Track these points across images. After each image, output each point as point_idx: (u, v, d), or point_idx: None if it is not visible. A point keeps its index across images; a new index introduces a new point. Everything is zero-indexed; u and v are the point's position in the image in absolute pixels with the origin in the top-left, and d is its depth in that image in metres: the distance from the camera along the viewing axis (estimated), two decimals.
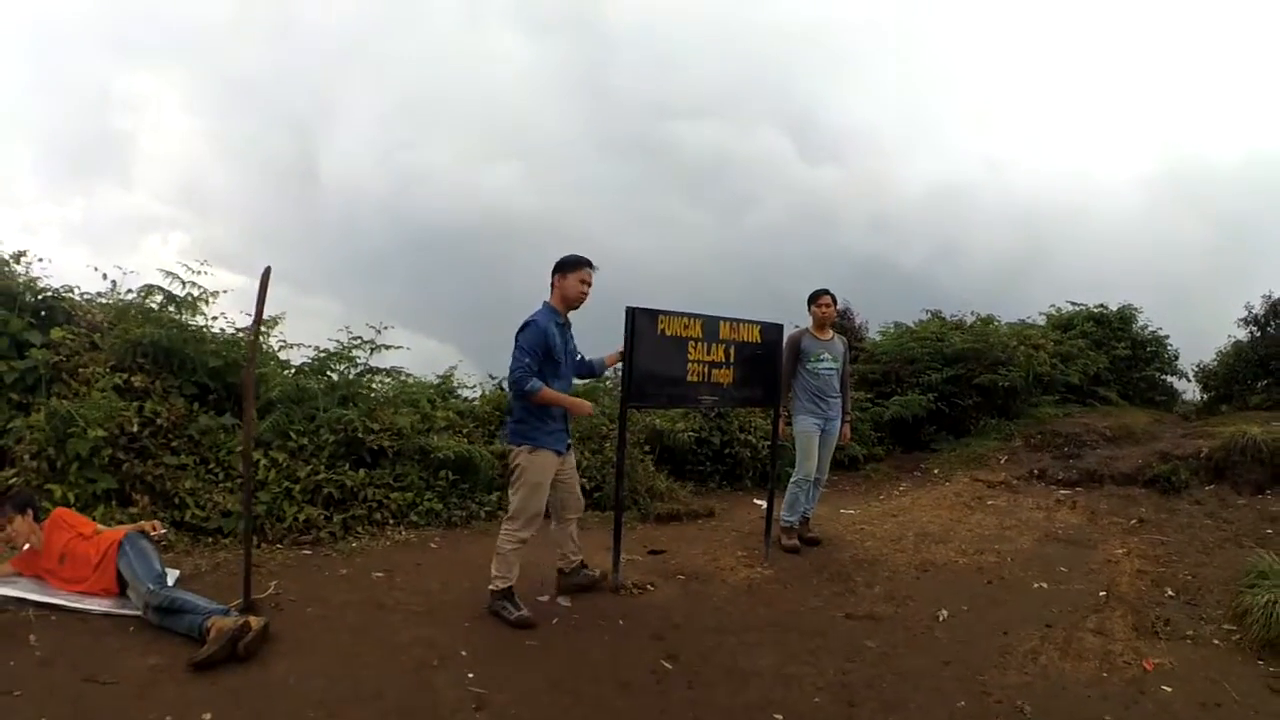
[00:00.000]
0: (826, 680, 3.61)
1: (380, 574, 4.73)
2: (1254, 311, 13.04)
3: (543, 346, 4.12)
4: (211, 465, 5.49)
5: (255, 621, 3.48)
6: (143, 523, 4.30)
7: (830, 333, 5.96)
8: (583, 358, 4.59)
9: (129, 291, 6.29)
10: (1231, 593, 4.65)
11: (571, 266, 4.26)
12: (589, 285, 4.30)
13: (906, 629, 4.31)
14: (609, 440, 6.79)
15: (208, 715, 2.93)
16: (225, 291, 6.36)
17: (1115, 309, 13.37)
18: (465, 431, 6.91)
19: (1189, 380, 13.69)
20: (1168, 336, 13.44)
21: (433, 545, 5.48)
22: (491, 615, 4.15)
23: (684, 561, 5.39)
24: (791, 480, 5.78)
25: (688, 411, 8.04)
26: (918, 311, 12.33)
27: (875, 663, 3.84)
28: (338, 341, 6.65)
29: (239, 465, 5.43)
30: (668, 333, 4.87)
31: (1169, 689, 3.60)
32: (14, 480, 4.82)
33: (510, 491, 4.30)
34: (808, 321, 6.00)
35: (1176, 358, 13.52)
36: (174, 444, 5.47)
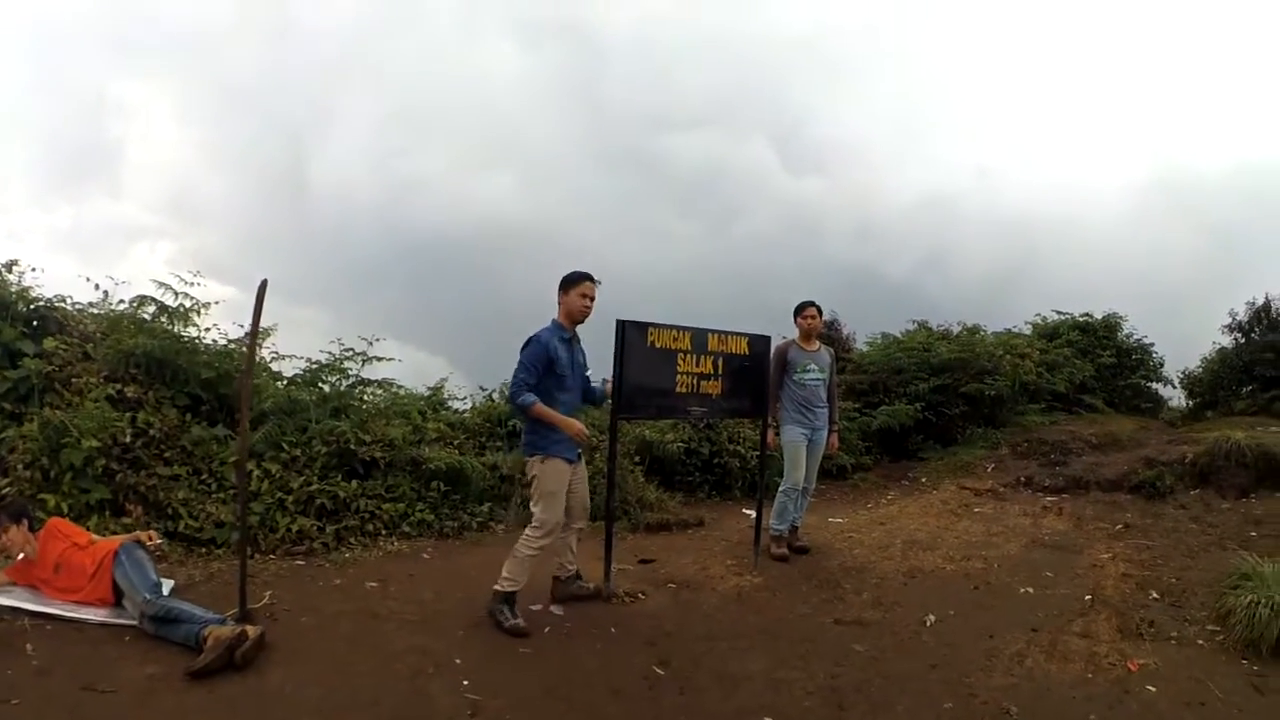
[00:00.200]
0: (816, 684, 3.67)
1: (374, 584, 4.76)
2: (1238, 318, 13.22)
3: (543, 362, 4.22)
4: (204, 476, 5.52)
5: (252, 630, 3.51)
6: (138, 533, 4.32)
7: (817, 344, 6.02)
8: (589, 381, 4.68)
9: (121, 302, 6.33)
10: (1215, 594, 4.71)
11: (573, 282, 4.38)
12: (591, 299, 4.40)
13: (894, 634, 4.37)
14: (599, 451, 6.83)
15: None
16: (218, 303, 6.40)
17: (1100, 317, 13.50)
18: (456, 443, 6.96)
19: (1174, 387, 13.83)
20: (1153, 344, 13.58)
21: (425, 556, 5.51)
22: (488, 615, 4.20)
23: (674, 570, 5.43)
24: (780, 489, 5.83)
25: (677, 422, 8.09)
26: (905, 322, 12.45)
27: (864, 667, 3.89)
28: (330, 353, 6.69)
29: (232, 476, 5.46)
30: (657, 345, 4.93)
31: (1153, 689, 3.67)
32: (7, 490, 4.82)
33: (532, 503, 4.40)
34: (795, 333, 6.05)
35: (1162, 365, 13.65)
36: (167, 455, 5.49)
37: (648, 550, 5.96)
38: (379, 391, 7.01)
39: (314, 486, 5.63)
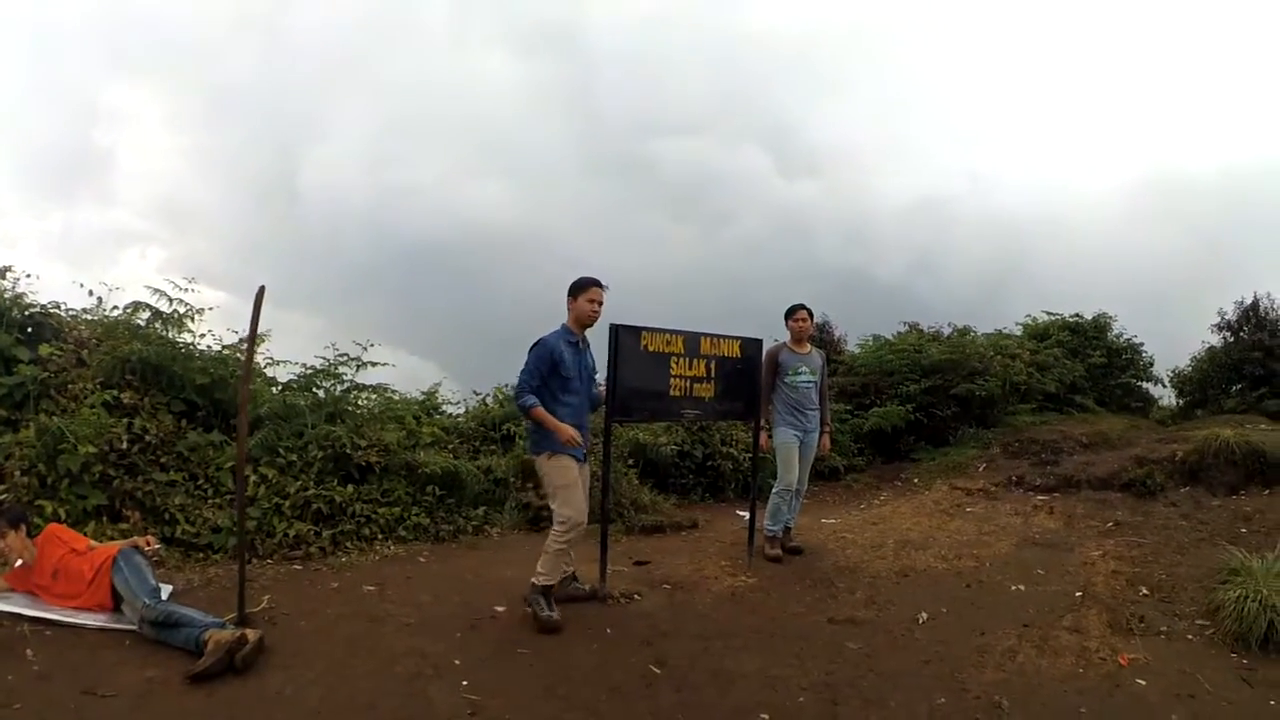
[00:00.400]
0: (810, 681, 3.71)
1: (371, 587, 4.79)
2: (1227, 317, 13.29)
3: (547, 364, 4.31)
4: (200, 482, 5.52)
5: (251, 634, 3.53)
6: (136, 538, 4.33)
7: (808, 346, 6.06)
8: (595, 385, 4.74)
9: (115, 308, 6.33)
10: (1205, 590, 4.78)
11: (582, 288, 4.47)
12: (599, 304, 4.49)
13: (887, 631, 4.41)
14: (593, 454, 6.86)
15: None
16: (212, 308, 6.42)
17: (1090, 318, 13.58)
18: (451, 447, 7.00)
19: (1164, 386, 13.93)
20: (1143, 344, 13.68)
21: (421, 559, 5.54)
22: (526, 606, 4.30)
23: (669, 571, 5.47)
24: (774, 491, 5.87)
25: (670, 425, 8.14)
26: (896, 324, 12.54)
27: (857, 664, 3.94)
28: (324, 358, 6.70)
29: (228, 481, 5.48)
30: (650, 349, 4.98)
31: (1143, 682, 3.73)
32: (5, 496, 4.82)
33: (550, 500, 4.47)
34: (786, 336, 6.10)
35: (1151, 364, 13.74)
36: (163, 460, 5.50)
37: (642, 552, 6.00)
38: (373, 396, 7.01)
39: (310, 491, 5.65)
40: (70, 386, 5.52)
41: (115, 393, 5.56)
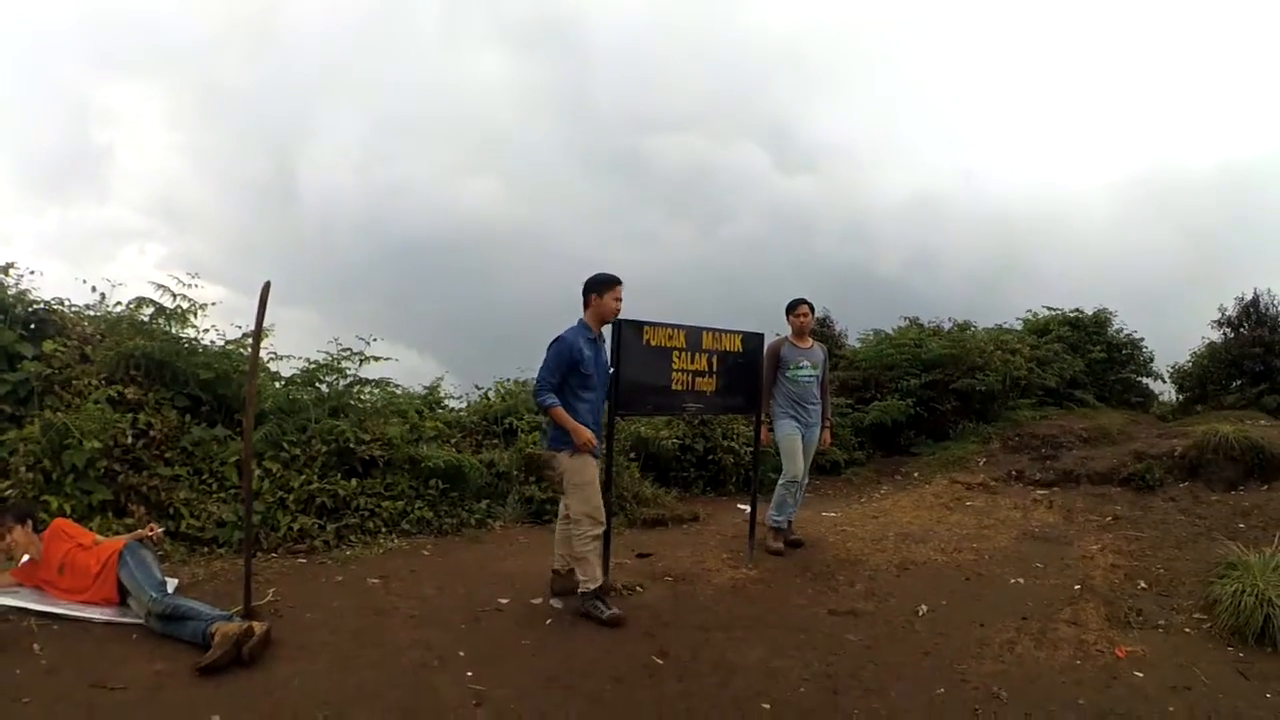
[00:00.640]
0: (811, 672, 3.75)
1: (376, 580, 4.82)
2: (1227, 313, 13.29)
3: (567, 362, 4.32)
4: (205, 476, 5.57)
5: (258, 626, 3.56)
6: (139, 531, 4.36)
7: (810, 341, 6.06)
8: None
9: (118, 304, 6.36)
10: (1203, 584, 4.82)
11: (609, 285, 4.49)
12: (621, 301, 4.53)
13: (887, 623, 4.45)
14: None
15: (216, 717, 3.02)
16: (214, 304, 6.45)
17: (1091, 313, 13.57)
18: (454, 441, 7.03)
19: (1164, 381, 13.92)
20: (1143, 339, 13.66)
21: (425, 552, 5.57)
22: (582, 616, 4.32)
23: (671, 564, 5.50)
24: (780, 482, 5.88)
25: (672, 419, 8.17)
26: (896, 319, 12.52)
27: (857, 655, 3.98)
28: (327, 353, 6.74)
29: (232, 476, 5.52)
30: (652, 343, 5.00)
31: (1140, 674, 3.77)
32: (10, 492, 4.85)
33: (567, 496, 4.49)
34: (787, 330, 6.11)
35: (1151, 360, 13.71)
36: (168, 455, 5.54)
37: (644, 545, 6.03)
38: (376, 391, 7.04)
39: (314, 485, 5.70)
40: (74, 382, 5.56)
41: (119, 388, 5.61)
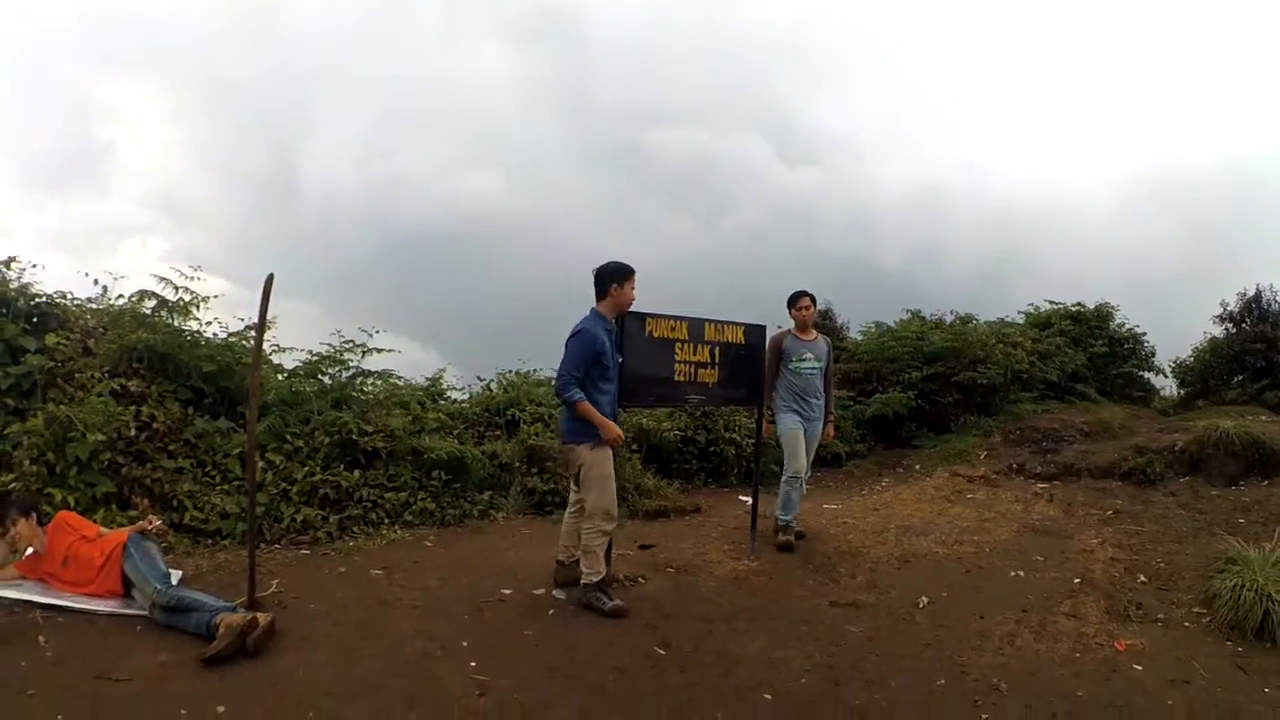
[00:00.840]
0: (813, 663, 3.77)
1: (379, 571, 4.84)
2: (1229, 308, 13.27)
3: (591, 354, 4.26)
4: (208, 468, 5.58)
5: (263, 618, 3.58)
6: (140, 523, 4.37)
7: (813, 333, 6.04)
8: None
9: (120, 297, 6.37)
10: (1202, 578, 4.82)
11: (626, 275, 4.46)
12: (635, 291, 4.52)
13: (888, 615, 4.47)
14: None
15: (221, 708, 3.03)
16: (217, 296, 6.46)
17: (1093, 307, 13.55)
18: (456, 433, 7.04)
19: (1166, 376, 13.90)
20: (1145, 334, 13.62)
21: (428, 543, 5.59)
22: (584, 607, 4.32)
23: (673, 555, 5.52)
24: (783, 479, 5.86)
25: (674, 411, 8.18)
26: (898, 311, 12.54)
27: (859, 646, 4.00)
28: (329, 345, 6.75)
29: (236, 468, 5.53)
30: (655, 335, 5.01)
31: (1139, 668, 3.78)
32: (14, 485, 4.86)
33: (581, 490, 4.46)
34: (789, 323, 6.08)
35: (1153, 354, 13.69)
36: (171, 448, 5.55)
37: (647, 536, 6.05)
38: (378, 383, 7.05)
39: (317, 477, 5.71)
40: (77, 375, 5.57)
41: (122, 381, 5.61)
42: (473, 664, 3.56)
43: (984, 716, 3.30)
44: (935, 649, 3.97)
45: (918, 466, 9.23)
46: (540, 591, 4.60)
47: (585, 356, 4.25)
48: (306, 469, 5.73)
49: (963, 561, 5.51)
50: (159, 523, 4.45)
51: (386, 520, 5.85)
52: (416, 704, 3.19)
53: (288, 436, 5.88)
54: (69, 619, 3.76)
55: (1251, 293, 13.10)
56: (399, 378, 7.35)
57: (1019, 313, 13.72)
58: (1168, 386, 14.01)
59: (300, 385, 6.41)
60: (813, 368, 5.87)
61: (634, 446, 7.81)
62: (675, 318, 5.09)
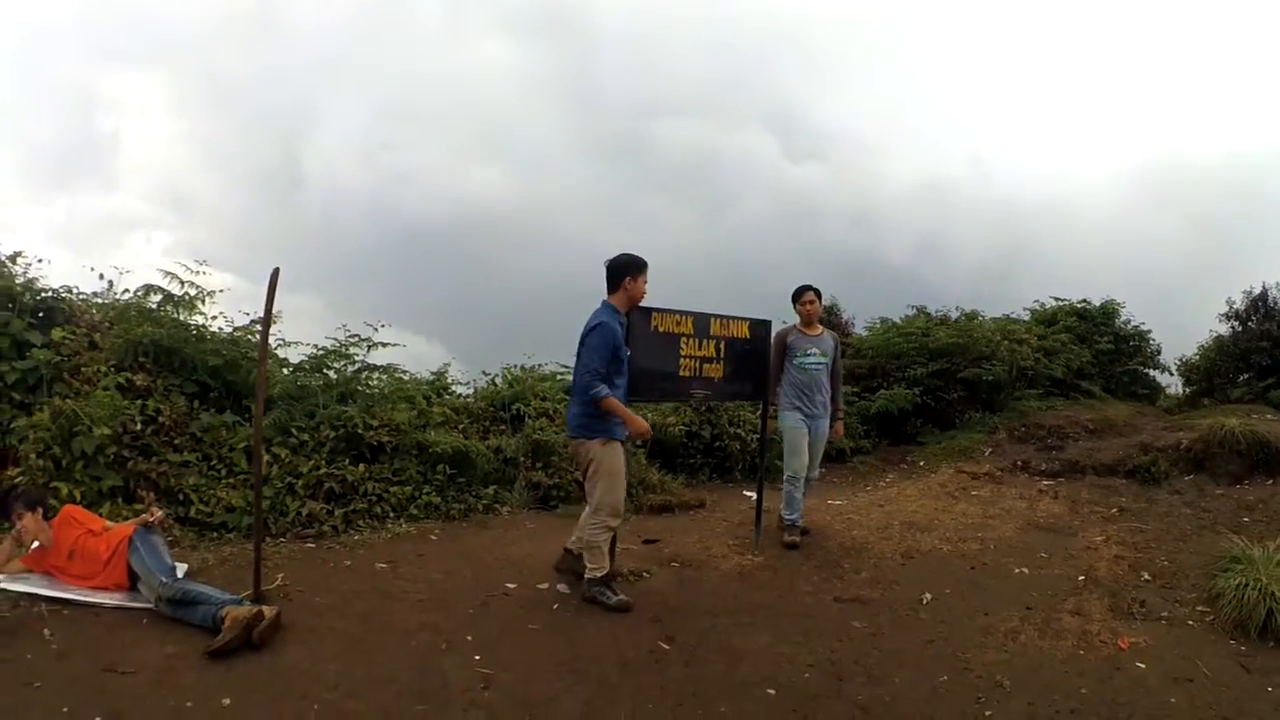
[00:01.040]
0: (816, 658, 3.78)
1: (384, 565, 4.85)
2: (1235, 306, 13.21)
3: (611, 348, 4.23)
4: (214, 462, 5.59)
5: (268, 610, 3.59)
6: (143, 516, 4.38)
7: (820, 328, 5.99)
8: None
9: (125, 291, 6.38)
10: (1206, 577, 4.81)
11: (640, 269, 4.43)
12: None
13: (892, 611, 4.47)
14: None
15: (227, 700, 3.05)
16: (222, 290, 6.47)
17: (1098, 304, 13.49)
18: (461, 427, 7.04)
19: (1171, 374, 13.84)
20: (1150, 331, 13.54)
21: (432, 537, 5.60)
22: (589, 602, 4.32)
23: (677, 550, 5.53)
24: (785, 479, 5.84)
25: (679, 405, 8.18)
26: (904, 307, 12.48)
27: (862, 642, 4.01)
28: (335, 340, 6.77)
29: (241, 462, 5.55)
30: (660, 329, 5.01)
31: (1143, 666, 3.78)
32: (20, 479, 4.90)
33: (589, 485, 4.44)
34: (795, 318, 6.04)
35: (1159, 352, 13.60)
36: (176, 442, 5.57)
37: (651, 530, 6.06)
38: (384, 377, 7.07)
39: (323, 471, 5.73)
40: (83, 370, 5.58)
41: (128, 375, 5.62)
42: (477, 657, 3.57)
43: (987, 713, 3.31)
44: (939, 645, 3.98)
45: (922, 463, 9.23)
46: (545, 586, 4.61)
47: (608, 351, 4.22)
48: (312, 463, 5.75)
49: (967, 558, 5.51)
50: (160, 513, 4.47)
51: (391, 514, 5.86)
52: (421, 697, 3.21)
53: (293, 430, 5.90)
54: (75, 612, 3.77)
55: (1258, 291, 13.05)
56: (404, 372, 7.38)
57: (1024, 309, 13.68)
58: (1173, 384, 13.96)
59: (306, 379, 6.43)
60: (818, 363, 5.83)
61: (639, 441, 7.81)
62: (681, 312, 5.09)
